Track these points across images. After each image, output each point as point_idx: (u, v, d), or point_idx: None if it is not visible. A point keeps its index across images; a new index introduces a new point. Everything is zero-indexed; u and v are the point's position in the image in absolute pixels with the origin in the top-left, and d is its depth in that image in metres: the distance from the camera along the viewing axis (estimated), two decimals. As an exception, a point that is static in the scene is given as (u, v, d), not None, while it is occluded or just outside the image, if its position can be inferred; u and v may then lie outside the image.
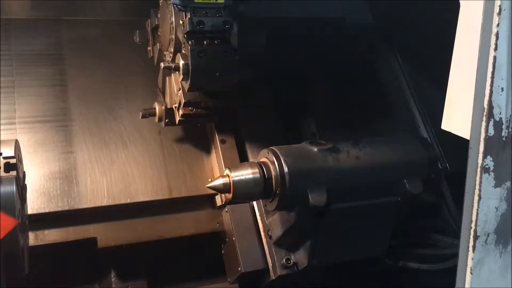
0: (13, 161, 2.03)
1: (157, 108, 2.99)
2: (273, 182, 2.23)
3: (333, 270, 2.68)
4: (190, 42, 2.45)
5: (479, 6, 1.56)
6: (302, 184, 2.21)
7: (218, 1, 2.42)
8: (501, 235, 1.68)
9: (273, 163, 2.25)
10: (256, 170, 2.26)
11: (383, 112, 3.31)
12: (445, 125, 1.79)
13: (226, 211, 2.65)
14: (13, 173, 2.00)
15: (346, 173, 2.29)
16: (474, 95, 1.59)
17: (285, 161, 2.22)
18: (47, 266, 2.57)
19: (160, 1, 2.88)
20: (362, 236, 2.50)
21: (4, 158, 2.01)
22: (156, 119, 3.01)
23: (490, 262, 1.68)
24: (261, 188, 2.25)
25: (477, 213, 1.62)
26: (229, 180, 2.26)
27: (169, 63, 2.59)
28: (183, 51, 2.53)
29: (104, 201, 2.87)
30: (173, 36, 2.68)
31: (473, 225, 1.63)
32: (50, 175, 2.87)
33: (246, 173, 2.25)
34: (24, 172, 2.29)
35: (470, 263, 1.66)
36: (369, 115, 3.27)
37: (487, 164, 1.59)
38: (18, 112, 3.00)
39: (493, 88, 1.55)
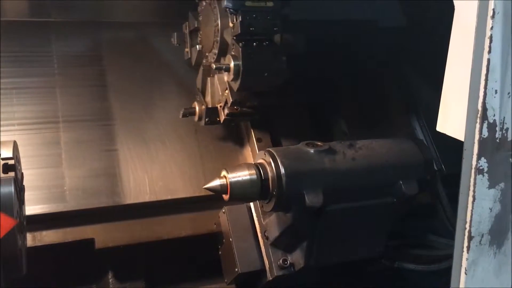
0: (11, 162, 2.04)
1: (197, 107, 3.05)
2: (269, 183, 2.25)
3: (330, 271, 2.69)
4: (240, 44, 2.54)
5: (473, 9, 1.58)
6: (299, 185, 2.23)
7: (267, 5, 2.53)
8: (495, 235, 1.70)
9: (269, 164, 2.26)
10: (253, 171, 2.27)
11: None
12: (440, 127, 1.81)
13: (223, 212, 2.66)
14: (12, 174, 2.00)
15: (342, 174, 2.30)
16: (469, 97, 1.61)
17: (281, 162, 2.23)
18: (44, 267, 2.57)
19: (202, 5, 2.95)
20: (358, 237, 2.51)
21: (3, 159, 2.02)
22: (196, 118, 3.07)
23: (484, 262, 1.70)
24: (258, 189, 2.26)
25: (472, 214, 1.64)
26: (226, 181, 2.28)
27: (219, 64, 2.67)
28: (233, 53, 2.61)
29: (147, 197, 2.93)
30: (218, 38, 2.75)
31: (467, 225, 1.65)
32: (94, 172, 2.93)
33: (243, 174, 2.27)
34: (22, 173, 2.29)
35: (464, 263, 1.68)
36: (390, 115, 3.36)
37: (481, 166, 1.61)
38: (61, 111, 3.06)
39: (487, 90, 1.57)
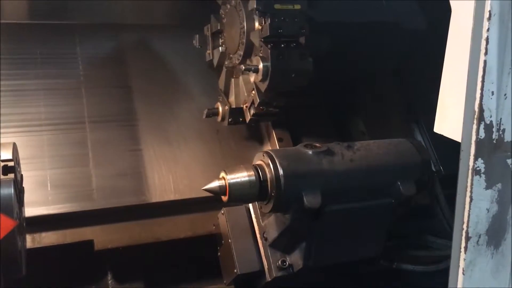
0: (11, 164, 2.04)
1: (220, 108, 3.12)
2: (268, 184, 2.25)
3: (328, 271, 2.70)
4: (269, 45, 2.60)
5: (470, 12, 1.59)
6: (297, 187, 2.23)
7: (295, 7, 2.59)
8: (493, 236, 1.71)
9: (268, 165, 2.27)
10: (252, 172, 2.28)
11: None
12: (438, 128, 1.83)
13: (222, 213, 2.67)
14: (11, 175, 2.01)
15: (341, 176, 2.31)
16: (465, 98, 1.62)
17: (280, 163, 2.24)
18: (44, 268, 2.58)
19: (227, 8, 3.01)
20: (357, 238, 2.52)
21: (2, 161, 2.03)
22: (219, 118, 3.14)
23: (481, 262, 1.71)
24: (256, 191, 2.27)
25: (469, 215, 1.65)
26: (225, 183, 2.28)
27: (248, 65, 2.73)
28: (261, 54, 2.65)
29: (172, 196, 2.98)
30: (244, 40, 2.81)
31: (464, 226, 1.66)
32: (120, 171, 3.00)
33: (241, 176, 2.28)
34: (21, 175, 2.30)
35: (462, 264, 1.69)
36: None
37: (478, 166, 1.62)
38: (87, 112, 3.13)
39: (484, 91, 1.58)
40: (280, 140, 3.05)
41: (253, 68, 2.66)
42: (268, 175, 2.26)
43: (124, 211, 2.90)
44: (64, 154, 2.97)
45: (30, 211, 2.63)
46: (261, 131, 3.25)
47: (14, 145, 2.18)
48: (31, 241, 2.68)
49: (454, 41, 1.71)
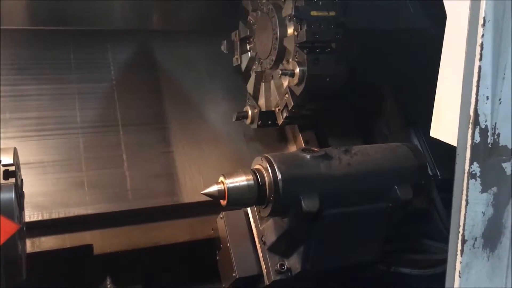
0: (12, 168, 2.06)
1: (250, 111, 3.22)
2: (266, 188, 2.27)
3: (327, 275, 2.71)
4: (305, 51, 2.70)
5: (465, 17, 1.62)
6: (295, 191, 2.25)
7: (330, 14, 2.69)
8: (489, 239, 1.72)
9: (266, 170, 2.28)
10: (250, 177, 2.30)
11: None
12: (433, 133, 1.84)
13: (221, 218, 2.68)
14: (12, 180, 2.02)
15: (338, 180, 2.32)
16: (461, 103, 1.64)
17: (278, 168, 2.26)
18: (43, 272, 2.58)
19: (258, 14, 3.13)
20: (354, 242, 2.53)
21: (3, 165, 2.04)
22: (248, 121, 3.24)
23: (478, 265, 1.72)
24: (255, 195, 2.29)
25: (465, 218, 1.67)
26: (224, 187, 2.30)
27: (285, 70, 2.82)
28: (296, 59, 2.75)
29: (203, 197, 2.97)
30: (276, 46, 2.93)
31: (461, 229, 1.68)
32: (154, 172, 3.08)
33: (240, 180, 2.29)
34: (22, 180, 2.31)
35: (458, 266, 1.70)
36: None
37: (474, 170, 1.64)
38: (120, 115, 3.22)
39: (479, 96, 1.60)
40: (306, 142, 3.14)
41: (289, 73, 2.76)
42: (267, 179, 2.27)
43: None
44: (99, 156, 3.07)
45: (70, 211, 2.80)
46: (286, 134, 3.35)
47: (15, 149, 2.19)
48: (30, 245, 2.69)
49: (450, 47, 1.73)
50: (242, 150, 3.32)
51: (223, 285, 2.67)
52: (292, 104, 2.90)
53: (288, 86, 2.89)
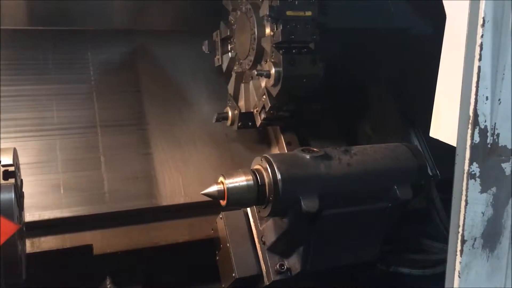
0: (11, 169, 2.06)
1: (230, 112, 3.17)
2: (266, 188, 2.27)
3: (326, 275, 2.71)
4: (281, 51, 2.66)
5: (464, 18, 1.62)
6: (295, 191, 2.25)
7: (306, 14, 2.65)
8: (488, 239, 1.73)
9: (266, 170, 2.29)
10: (250, 177, 2.30)
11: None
12: (433, 133, 1.85)
13: (221, 218, 2.68)
14: (12, 180, 2.03)
15: (338, 180, 2.33)
16: (460, 103, 1.65)
17: (278, 168, 2.26)
18: (43, 273, 2.59)
19: (237, 14, 3.07)
20: (354, 242, 2.53)
21: (3, 166, 2.04)
22: (229, 122, 3.18)
23: (477, 265, 1.73)
24: (254, 195, 2.29)
25: (464, 218, 1.67)
26: (223, 187, 2.30)
27: (260, 70, 2.79)
28: (272, 60, 2.71)
29: (182, 199, 3.02)
30: (255, 46, 2.88)
31: (460, 229, 1.68)
32: (132, 174, 3.04)
33: (240, 180, 2.29)
34: (21, 180, 2.31)
35: (458, 267, 1.70)
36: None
37: (473, 170, 1.64)
38: (99, 117, 3.17)
39: (478, 97, 1.60)
40: (288, 143, 3.10)
41: (265, 73, 2.72)
42: (266, 180, 2.27)
43: (131, 215, 2.94)
44: (77, 158, 3.02)
45: (45, 214, 2.75)
46: (269, 135, 3.30)
47: (14, 150, 2.19)
48: (30, 245, 2.69)
49: (449, 47, 1.74)
50: (223, 152, 3.27)
51: (223, 285, 2.68)
52: (270, 105, 2.86)
53: (265, 87, 2.85)
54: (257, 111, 3.01)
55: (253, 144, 3.33)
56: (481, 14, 1.57)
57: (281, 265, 2.49)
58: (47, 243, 2.76)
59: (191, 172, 3.12)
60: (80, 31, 3.43)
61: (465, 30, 1.61)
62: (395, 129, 3.40)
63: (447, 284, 1.74)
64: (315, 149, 2.39)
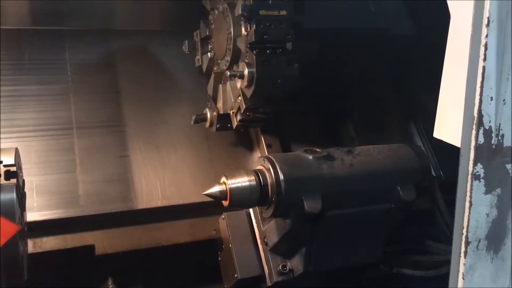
0: (13, 169, 2.06)
1: (208, 114, 3.12)
2: (269, 189, 2.26)
3: (329, 276, 2.71)
4: (254, 51, 2.59)
5: (469, 18, 1.61)
6: (298, 191, 2.24)
7: (281, 13, 2.58)
8: (492, 241, 1.72)
9: (269, 170, 2.28)
10: (252, 177, 2.29)
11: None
12: (437, 133, 1.83)
13: (223, 218, 2.68)
14: (13, 181, 2.02)
15: (341, 181, 2.32)
16: (465, 104, 1.64)
17: (280, 168, 2.25)
18: (45, 273, 2.58)
19: (215, 13, 3.01)
20: (357, 243, 2.53)
21: (5, 166, 2.04)
22: (207, 124, 3.13)
23: (481, 267, 1.72)
24: (257, 195, 2.28)
25: (468, 219, 1.66)
26: (226, 188, 2.29)
27: (234, 71, 2.73)
28: (246, 60, 2.66)
29: (159, 202, 2.97)
30: (231, 46, 2.81)
31: (464, 231, 1.67)
32: (108, 177, 2.99)
33: (242, 181, 2.29)
34: (23, 180, 2.31)
35: (462, 268, 1.69)
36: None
37: (478, 171, 1.63)
38: (75, 118, 3.12)
39: (483, 97, 1.59)
40: (269, 146, 3.04)
41: (238, 74, 2.66)
42: (269, 180, 2.27)
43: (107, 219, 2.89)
44: (51, 160, 2.96)
45: None
46: (251, 137, 3.24)
47: (16, 150, 2.19)
48: (32, 246, 2.68)
49: (453, 47, 1.72)
50: (203, 154, 3.21)
51: (225, 286, 2.67)
52: (244, 107, 2.80)
53: (240, 88, 2.79)
54: (233, 112, 2.96)
55: (233, 146, 3.28)
56: (486, 14, 1.56)
57: (284, 266, 2.48)
58: (49, 243, 2.76)
59: (169, 175, 3.07)
60: (57, 30, 3.37)
61: (469, 30, 1.60)
62: (397, 129, 3.39)
63: (451, 286, 1.73)
64: (318, 150, 2.39)
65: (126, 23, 3.60)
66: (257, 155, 3.15)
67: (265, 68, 2.60)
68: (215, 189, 2.31)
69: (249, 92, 2.69)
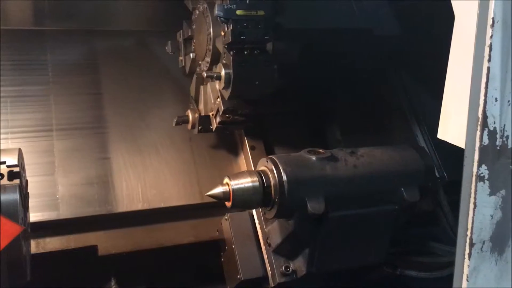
0: (16, 169, 2.06)
1: (190, 115, 3.08)
2: (272, 190, 2.26)
3: (332, 278, 2.70)
4: (231, 52, 2.56)
5: (473, 18, 1.60)
6: (301, 192, 2.24)
7: (258, 14, 2.54)
8: (497, 242, 1.70)
9: (272, 171, 2.27)
10: (255, 178, 2.29)
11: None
12: (441, 134, 1.82)
13: (226, 219, 2.67)
14: (17, 181, 2.02)
15: (344, 182, 2.31)
16: (469, 105, 1.63)
17: (284, 169, 2.25)
18: (48, 273, 2.59)
19: (196, 14, 2.99)
20: (360, 244, 2.52)
21: (8, 166, 2.04)
22: (189, 126, 3.09)
23: (486, 269, 1.71)
24: (260, 196, 2.28)
25: (473, 221, 1.65)
26: (229, 189, 2.29)
27: (210, 72, 2.70)
28: (224, 61, 2.63)
29: (139, 206, 2.94)
30: (211, 47, 2.79)
31: (468, 232, 1.66)
32: (87, 180, 2.95)
33: (245, 182, 2.28)
34: (27, 181, 2.31)
35: (466, 270, 1.68)
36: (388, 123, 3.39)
37: (482, 173, 1.62)
38: (55, 120, 3.09)
39: (487, 98, 1.58)
40: (252, 148, 3.02)
41: (215, 75, 2.63)
42: (272, 181, 2.26)
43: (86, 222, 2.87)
44: (29, 162, 2.83)
45: None
46: (235, 139, 3.21)
47: (20, 150, 2.19)
48: (35, 246, 2.68)
49: (458, 48, 1.71)
50: (186, 157, 3.17)
51: (228, 287, 2.67)
52: (223, 108, 2.78)
53: (219, 90, 2.78)
54: (212, 114, 2.93)
55: (217, 148, 3.25)
56: (491, 14, 1.55)
57: (287, 267, 2.48)
58: (52, 243, 2.76)
59: (151, 178, 3.04)
60: (37, 31, 3.34)
61: (474, 30, 1.59)
62: (401, 131, 3.38)
63: (455, 287, 1.72)
64: (321, 151, 2.38)
65: (109, 23, 3.57)
66: (241, 157, 3.12)
67: (242, 69, 2.57)
68: (218, 190, 2.31)
69: (226, 94, 2.67)
